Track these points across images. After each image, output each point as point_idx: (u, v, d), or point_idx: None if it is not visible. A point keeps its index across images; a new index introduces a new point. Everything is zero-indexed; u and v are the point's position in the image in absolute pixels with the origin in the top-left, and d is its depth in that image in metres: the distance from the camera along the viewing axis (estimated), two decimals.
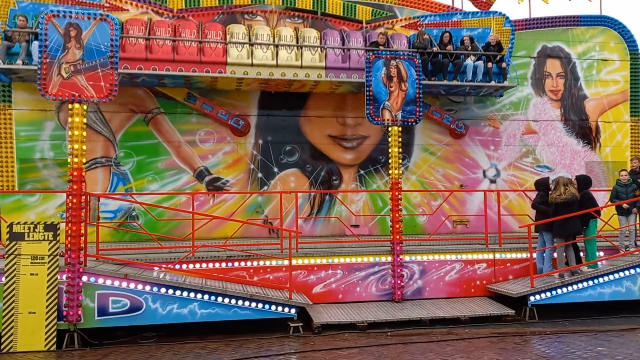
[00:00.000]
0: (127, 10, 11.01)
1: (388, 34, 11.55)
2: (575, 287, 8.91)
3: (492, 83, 11.31)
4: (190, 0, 11.28)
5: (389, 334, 7.85)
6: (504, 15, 12.19)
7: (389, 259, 9.24)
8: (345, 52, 10.94)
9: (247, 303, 7.91)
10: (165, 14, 11.22)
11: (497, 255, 9.72)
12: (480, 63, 11.18)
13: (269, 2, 11.66)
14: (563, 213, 8.81)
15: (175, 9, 11.26)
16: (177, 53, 10.23)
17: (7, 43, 9.64)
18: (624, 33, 13.33)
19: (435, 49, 11.15)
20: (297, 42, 10.86)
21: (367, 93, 9.27)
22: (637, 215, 9.83)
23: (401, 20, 12.31)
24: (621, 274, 9.10)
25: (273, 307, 7.99)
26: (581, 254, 9.43)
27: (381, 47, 10.74)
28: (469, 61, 11.21)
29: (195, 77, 10.33)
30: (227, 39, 10.54)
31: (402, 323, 8.23)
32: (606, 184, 12.45)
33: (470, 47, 11.39)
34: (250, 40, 10.62)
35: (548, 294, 8.81)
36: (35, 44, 9.22)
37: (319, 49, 10.78)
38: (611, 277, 9.06)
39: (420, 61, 9.55)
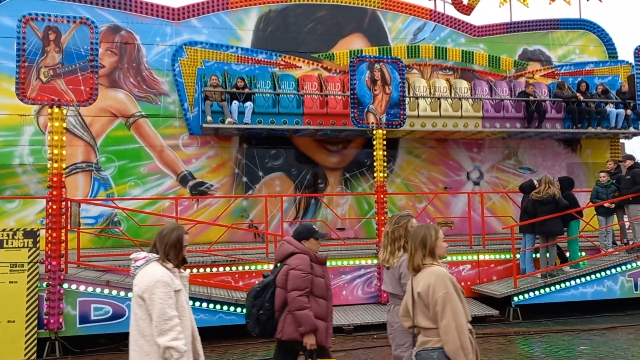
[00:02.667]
0: (300, 67, 11.67)
1: (532, 84, 12.04)
2: (558, 287, 9.01)
3: (632, 129, 12.14)
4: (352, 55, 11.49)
5: (375, 336, 7.85)
6: (631, 63, 12.78)
7: (375, 261, 9.25)
8: (496, 102, 11.55)
9: (232, 308, 7.85)
10: (333, 69, 11.80)
11: (481, 257, 9.78)
12: (622, 111, 11.92)
13: (423, 56, 12.24)
14: (540, 211, 8.94)
15: (341, 64, 11.81)
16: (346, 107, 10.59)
17: (209, 102, 10.18)
18: (603, 36, 13.57)
19: (579, 97, 11.68)
20: (451, 93, 11.42)
21: (352, 96, 9.29)
22: (616, 216, 9.98)
23: (540, 70, 13.13)
24: (602, 273, 9.23)
25: None
26: (567, 254, 9.54)
27: (531, 98, 11.52)
28: (610, 108, 11.90)
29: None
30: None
31: None
32: (587, 185, 12.61)
33: (605, 96, 12.13)
34: (410, 91, 10.96)
35: (531, 294, 8.89)
36: (235, 104, 10.24)
37: (473, 99, 11.45)
38: (593, 276, 9.17)
39: (403, 65, 9.60)
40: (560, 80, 12.48)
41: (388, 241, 4.49)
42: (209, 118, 10.07)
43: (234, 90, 10.43)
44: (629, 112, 11.93)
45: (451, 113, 11.27)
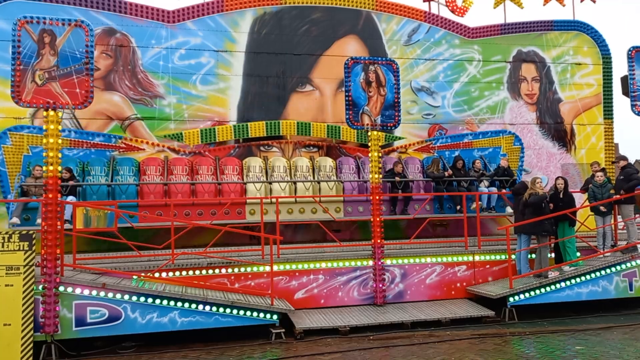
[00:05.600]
0: (143, 149, 10.89)
1: (402, 158, 11.47)
2: (553, 287, 9.05)
3: (508, 210, 11.04)
4: (205, 135, 11.03)
5: (371, 337, 7.86)
6: (513, 134, 12.38)
7: (371, 263, 9.27)
8: (357, 185, 10.86)
9: (228, 310, 7.85)
10: (182, 150, 11.11)
11: (477, 258, 9.81)
12: (494, 189, 11.09)
13: (284, 134, 11.56)
14: (529, 211, 9.11)
15: (191, 145, 11.10)
16: (196, 195, 10.16)
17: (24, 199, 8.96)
18: (597, 37, 13.65)
19: (448, 173, 10.99)
20: (314, 172, 10.75)
21: (346, 98, 9.32)
22: (612, 216, 10.04)
23: (414, 144, 12.30)
24: (597, 273, 9.27)
25: (255, 314, 7.94)
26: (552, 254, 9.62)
27: (397, 178, 10.67)
28: (482, 187, 11.12)
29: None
30: (243, 174, 10.57)
31: (384, 327, 8.25)
32: (581, 185, 12.66)
33: (481, 172, 11.29)
34: (267, 173, 10.55)
35: (527, 294, 8.93)
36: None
37: (335, 182, 10.64)
38: (588, 277, 9.22)
39: (397, 66, 9.62)
40: (434, 157, 11.64)
41: None
42: (13, 219, 8.82)
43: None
44: (503, 191, 10.92)
45: (308, 198, 10.45)
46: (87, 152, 10.39)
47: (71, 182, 9.29)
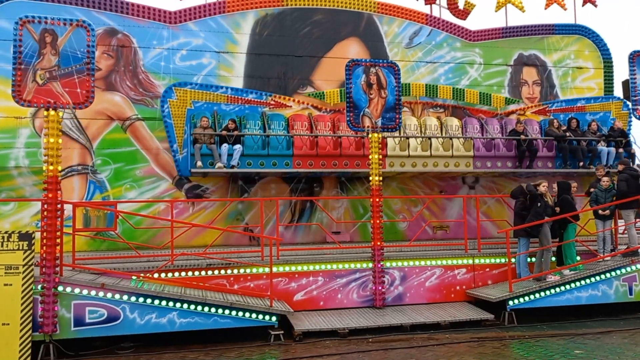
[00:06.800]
0: (290, 106, 11.64)
1: (522, 121, 11.97)
2: (553, 291, 9.03)
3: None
4: (344, 94, 11.12)
5: (370, 340, 7.85)
6: (622, 100, 12.92)
7: (370, 265, 9.26)
8: (488, 140, 11.52)
9: (227, 311, 7.84)
10: (323, 108, 11.81)
11: (477, 261, 9.81)
12: (613, 149, 11.81)
13: (414, 94, 12.20)
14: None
15: (331, 103, 11.82)
16: (342, 149, 10.88)
17: (198, 145, 10.06)
18: (598, 41, 13.64)
19: (568, 134, 11.69)
20: (442, 131, 11.44)
21: (347, 100, 9.32)
22: (613, 220, 10.04)
23: (531, 107, 13.03)
24: (597, 277, 9.26)
25: (254, 315, 7.93)
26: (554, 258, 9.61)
27: (522, 137, 11.40)
28: (601, 147, 11.83)
29: (361, 173, 10.93)
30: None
31: (383, 329, 8.24)
32: (581, 190, 12.64)
33: (597, 133, 12.07)
34: (401, 131, 10.83)
35: (526, 298, 8.91)
36: (225, 147, 10.11)
37: (465, 138, 11.35)
38: (587, 281, 9.20)
39: (399, 69, 9.63)
40: (551, 117, 12.49)
41: None
42: (198, 163, 9.94)
43: (224, 132, 10.24)
44: (620, 150, 11.81)
45: (442, 152, 11.17)
46: (241, 107, 11.25)
47: (236, 132, 10.37)
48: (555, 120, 12.00)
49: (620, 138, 11.93)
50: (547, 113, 12.94)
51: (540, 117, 12.81)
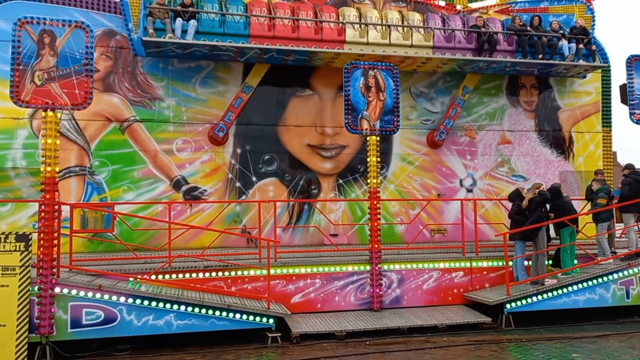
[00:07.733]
0: None
1: (484, 18, 12.19)
2: (550, 294, 9.05)
3: (582, 62, 12.02)
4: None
5: (367, 343, 7.85)
6: (585, 3, 13.12)
7: (368, 268, 9.26)
8: (448, 33, 11.68)
9: (224, 314, 7.83)
10: None
11: (474, 264, 9.81)
12: (574, 45, 11.96)
13: None
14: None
15: None
16: (300, 33, 10.87)
17: (151, 19, 9.97)
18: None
19: (528, 28, 11.85)
20: (403, 24, 11.43)
21: (346, 102, 9.33)
22: (611, 223, 10.07)
23: (494, 6, 13.29)
24: (594, 281, 9.27)
25: (251, 318, 7.92)
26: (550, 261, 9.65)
27: (483, 29, 11.62)
28: (562, 42, 12.00)
29: (318, 54, 10.85)
30: (340, 20, 11.18)
31: (380, 332, 8.23)
32: (579, 193, 12.68)
33: (559, 31, 12.17)
34: (360, 20, 11.14)
35: (524, 301, 8.92)
36: (179, 21, 10.06)
37: (424, 30, 11.50)
38: (585, 284, 9.22)
39: (397, 71, 9.65)
40: (514, 15, 12.58)
41: None
42: (150, 31, 9.88)
43: (179, 8, 10.19)
44: (581, 46, 11.96)
45: (401, 42, 11.29)
46: None
47: (191, 9, 10.23)
48: (517, 18, 12.15)
49: (581, 35, 12.03)
50: (510, 12, 13.09)
51: (503, 17, 12.95)
